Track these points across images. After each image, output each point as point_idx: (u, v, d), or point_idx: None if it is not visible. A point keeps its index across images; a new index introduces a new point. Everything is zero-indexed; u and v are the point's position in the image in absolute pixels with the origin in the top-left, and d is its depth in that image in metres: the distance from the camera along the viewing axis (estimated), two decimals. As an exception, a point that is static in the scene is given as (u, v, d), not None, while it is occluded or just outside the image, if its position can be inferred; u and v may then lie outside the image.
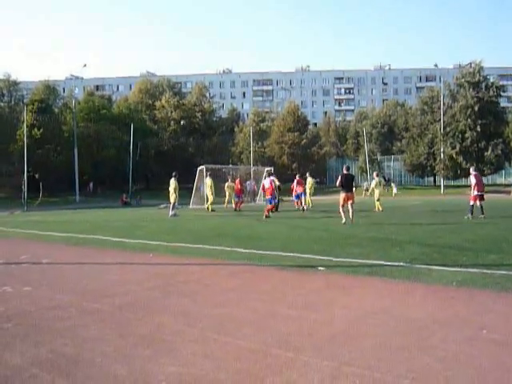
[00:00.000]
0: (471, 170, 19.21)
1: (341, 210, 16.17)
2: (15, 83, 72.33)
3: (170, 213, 22.58)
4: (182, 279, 7.26)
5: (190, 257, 9.32)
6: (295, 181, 26.07)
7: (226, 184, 28.86)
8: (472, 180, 18.31)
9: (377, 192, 23.26)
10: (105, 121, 64.13)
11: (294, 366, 3.61)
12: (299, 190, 25.38)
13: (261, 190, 31.91)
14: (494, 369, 3.50)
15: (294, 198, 26.40)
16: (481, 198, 18.00)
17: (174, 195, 22.83)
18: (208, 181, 27.32)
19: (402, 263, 7.82)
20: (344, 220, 15.70)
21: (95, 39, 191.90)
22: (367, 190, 24.59)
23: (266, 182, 21.60)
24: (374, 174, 26.43)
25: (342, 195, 16.29)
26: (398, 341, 4.13)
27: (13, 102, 70.63)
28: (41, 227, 17.22)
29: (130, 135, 52.70)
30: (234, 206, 27.43)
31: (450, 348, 3.95)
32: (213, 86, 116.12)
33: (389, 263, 7.86)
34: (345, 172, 16.75)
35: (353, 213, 15.97)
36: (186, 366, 3.64)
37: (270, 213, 19.93)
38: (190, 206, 31.16)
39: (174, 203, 22.93)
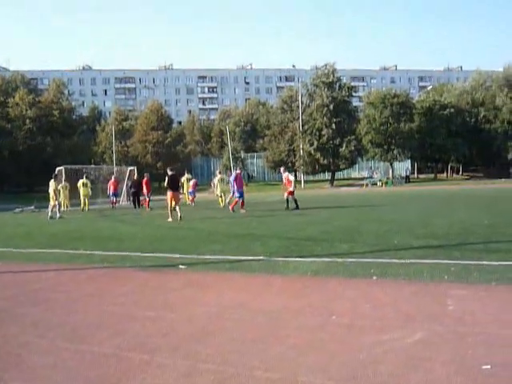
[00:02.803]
0: (281, 170, 21.85)
1: (168, 208, 17.31)
2: None
3: (58, 214, 21.63)
4: (35, 287, 6.80)
5: (46, 262, 8.77)
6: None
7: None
8: (291, 177, 20.20)
9: (219, 189, 24.67)
10: (-51, 119, 58.46)
11: (148, 368, 3.53)
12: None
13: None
14: (342, 351, 3.70)
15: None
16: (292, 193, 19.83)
17: (55, 197, 22.10)
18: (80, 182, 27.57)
19: (261, 257, 8.02)
20: (170, 218, 16.81)
21: None
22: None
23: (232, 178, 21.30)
24: (217, 171, 28.52)
25: (169, 193, 17.38)
26: (254, 333, 4.21)
27: None
28: None
29: (-21, 135, 48.60)
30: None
31: (303, 335, 4.11)
32: (72, 82, 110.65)
33: (249, 258, 8.02)
34: (170, 173, 17.85)
35: (180, 208, 17.16)
36: (32, 380, 3.41)
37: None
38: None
39: (54, 205, 22.06)
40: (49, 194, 22.44)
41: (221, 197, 24.55)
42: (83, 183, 27.52)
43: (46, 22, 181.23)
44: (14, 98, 70.29)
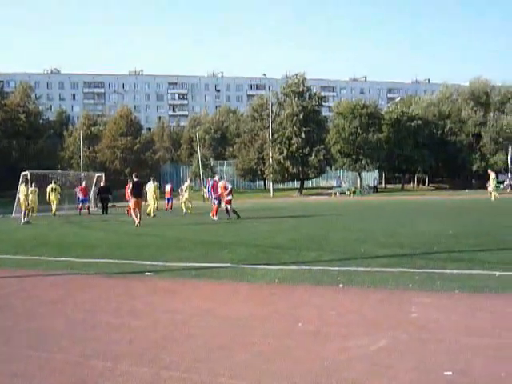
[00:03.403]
0: (216, 178, 21.73)
1: (133, 213, 17.52)
2: None
3: (22, 220, 21.19)
4: (-4, 293, 6.65)
5: (8, 269, 8.59)
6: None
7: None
8: (228, 185, 19.73)
9: (186, 195, 25.08)
10: None
11: (111, 375, 3.47)
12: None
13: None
14: (307, 358, 3.70)
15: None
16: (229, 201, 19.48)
17: (26, 202, 21.73)
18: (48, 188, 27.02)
19: (229, 264, 8.00)
20: (136, 222, 16.94)
21: None
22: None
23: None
24: (188, 178, 29.35)
25: (133, 200, 17.65)
26: (220, 340, 4.18)
27: None
28: None
29: None
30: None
31: (269, 342, 4.10)
32: (39, 86, 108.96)
33: (216, 265, 7.99)
34: (135, 180, 18.27)
35: (140, 216, 17.34)
36: (-11, 388, 3.31)
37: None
38: (13, 215, 28.80)
39: (26, 210, 21.69)
40: (18, 198, 22.10)
41: (184, 203, 25.17)
42: (52, 188, 27.22)
43: (13, 22, 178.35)
44: (-22, 100, 68.85)
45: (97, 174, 35.27)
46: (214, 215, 19.51)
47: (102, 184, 30.67)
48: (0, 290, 6.98)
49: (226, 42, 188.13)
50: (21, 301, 6.17)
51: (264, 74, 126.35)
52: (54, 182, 28.03)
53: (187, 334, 4.43)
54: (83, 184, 30.09)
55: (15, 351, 4.10)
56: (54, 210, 27.33)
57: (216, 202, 19.95)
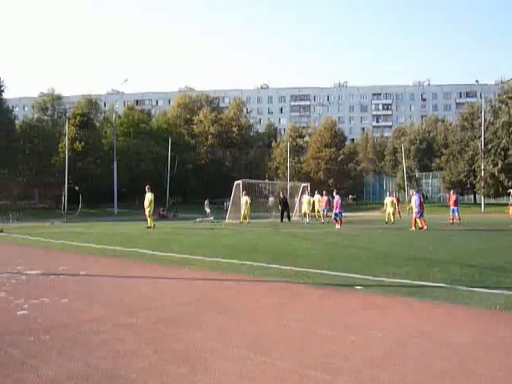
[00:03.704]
0: (412, 191, 24.34)
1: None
2: (58, 97, 74.00)
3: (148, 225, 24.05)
4: (218, 295, 7.19)
5: (226, 272, 9.23)
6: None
7: (246, 199, 30.06)
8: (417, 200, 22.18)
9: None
10: (144, 135, 65.19)
11: (330, 389, 3.50)
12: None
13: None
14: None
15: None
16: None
17: (149, 208, 24.26)
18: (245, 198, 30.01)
19: (442, 284, 7.59)
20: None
21: (134, 55, 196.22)
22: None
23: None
24: (387, 192, 32.64)
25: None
26: (440, 366, 3.95)
27: (56, 116, 72.49)
28: (80, 238, 17.47)
29: (168, 149, 53.37)
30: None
31: (497, 375, 3.77)
32: (250, 101, 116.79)
33: (428, 284, 7.64)
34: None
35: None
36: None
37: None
38: (226, 221, 31.28)
39: (150, 215, 24.36)
40: (241, 205, 26.73)
41: (393, 214, 27.29)
42: (246, 201, 30.24)
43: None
44: (198, 115, 76.48)
45: (303, 185, 36.45)
46: (416, 226, 21.60)
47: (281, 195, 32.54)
48: (220, 292, 7.48)
49: (433, 47, 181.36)
50: (239, 304, 6.55)
51: (476, 81, 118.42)
52: (246, 194, 30.61)
53: (404, 355, 4.27)
54: (326, 197, 31.56)
55: (238, 352, 4.33)
56: (248, 218, 30.01)
57: (418, 214, 21.79)
